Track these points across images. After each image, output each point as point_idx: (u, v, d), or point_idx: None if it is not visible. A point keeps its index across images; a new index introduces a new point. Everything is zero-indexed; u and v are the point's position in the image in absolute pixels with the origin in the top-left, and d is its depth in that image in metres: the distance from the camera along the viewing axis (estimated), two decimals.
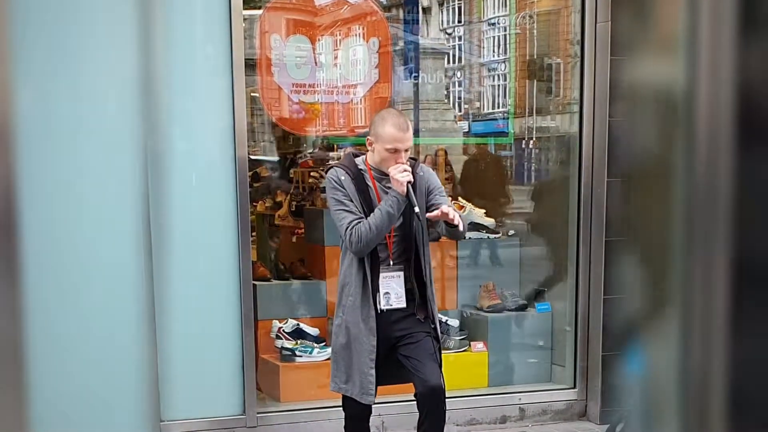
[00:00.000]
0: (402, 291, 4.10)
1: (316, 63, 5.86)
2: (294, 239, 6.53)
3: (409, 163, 4.01)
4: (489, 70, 8.39)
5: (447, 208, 3.92)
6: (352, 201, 4.00)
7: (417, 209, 3.90)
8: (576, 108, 5.92)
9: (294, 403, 5.55)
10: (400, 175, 3.89)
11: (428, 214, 3.98)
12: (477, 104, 8.02)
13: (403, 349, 4.12)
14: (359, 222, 3.95)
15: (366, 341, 4.04)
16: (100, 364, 4.91)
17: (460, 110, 7.81)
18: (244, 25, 5.21)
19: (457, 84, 8.22)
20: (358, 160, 4.13)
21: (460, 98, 8.22)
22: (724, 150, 0.67)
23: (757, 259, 0.67)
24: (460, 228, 3.97)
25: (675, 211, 0.70)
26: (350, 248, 3.98)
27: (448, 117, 7.52)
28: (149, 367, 4.91)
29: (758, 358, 0.68)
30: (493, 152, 7.23)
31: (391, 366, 4.11)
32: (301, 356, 5.67)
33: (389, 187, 3.97)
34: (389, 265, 4.08)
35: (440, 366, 4.12)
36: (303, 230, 6.46)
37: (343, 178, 4.03)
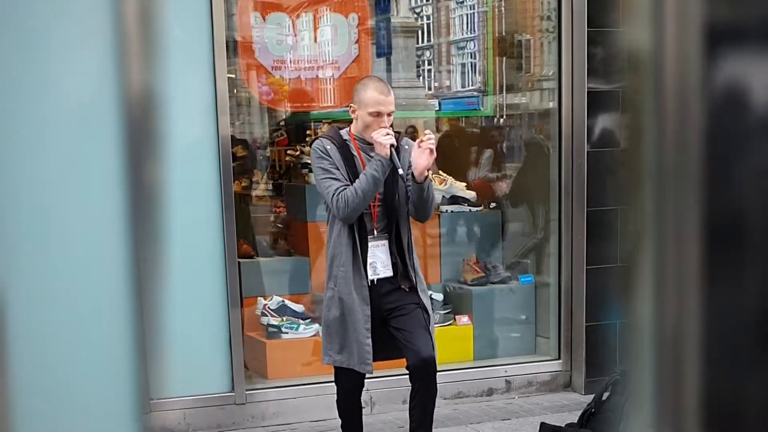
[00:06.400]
0: (388, 260, 4.11)
1: (296, 38, 5.83)
2: (272, 218, 6.51)
3: (392, 129, 4.03)
4: (459, 48, 8.40)
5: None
6: (338, 169, 4.02)
7: (401, 171, 3.93)
8: (549, 84, 5.94)
9: (281, 379, 5.53)
10: (383, 138, 3.92)
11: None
12: (447, 82, 8.02)
13: (394, 321, 4.12)
14: (345, 188, 3.97)
15: (360, 311, 4.03)
16: (86, 344, 4.84)
17: (430, 89, 7.80)
18: (223, 4, 5.16)
19: (427, 62, 8.20)
20: (343, 132, 4.17)
21: (430, 77, 8.21)
22: (692, 109, 0.67)
23: (726, 215, 0.68)
24: (425, 193, 3.99)
25: (647, 175, 0.70)
26: (337, 214, 3.99)
27: (420, 94, 7.52)
28: (137, 346, 4.86)
29: (729, 310, 0.69)
30: (473, 126, 7.24)
31: (383, 340, 4.10)
32: (287, 333, 5.65)
33: (373, 157, 4.00)
34: (374, 235, 4.10)
35: (432, 336, 4.12)
36: (280, 209, 6.44)
37: (329, 147, 4.05)
